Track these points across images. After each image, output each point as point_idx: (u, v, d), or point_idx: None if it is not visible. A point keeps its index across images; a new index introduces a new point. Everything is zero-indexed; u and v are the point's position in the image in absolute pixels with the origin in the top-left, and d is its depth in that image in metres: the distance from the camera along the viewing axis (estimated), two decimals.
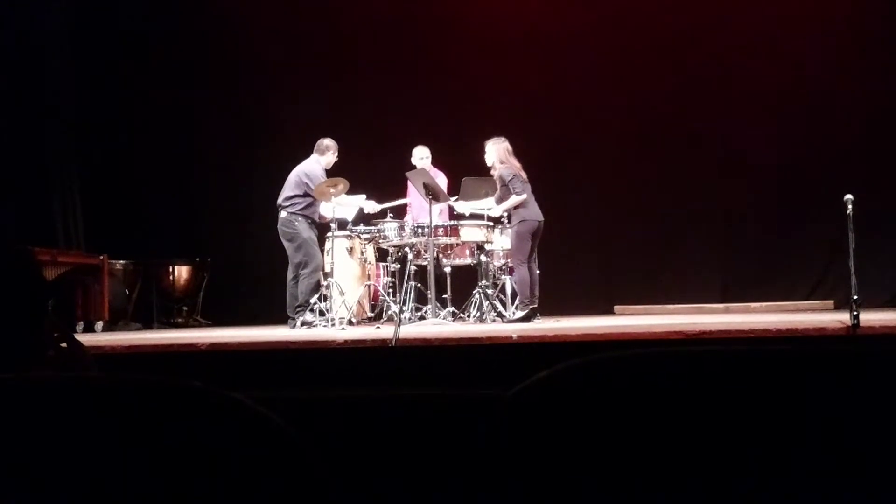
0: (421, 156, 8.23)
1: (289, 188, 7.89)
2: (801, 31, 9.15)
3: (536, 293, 7.27)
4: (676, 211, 9.39)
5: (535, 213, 7.21)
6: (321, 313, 7.51)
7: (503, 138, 7.40)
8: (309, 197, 7.78)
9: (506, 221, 7.65)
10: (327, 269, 7.75)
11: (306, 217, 7.83)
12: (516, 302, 7.36)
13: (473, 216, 7.88)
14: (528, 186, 7.28)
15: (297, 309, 7.67)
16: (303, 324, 7.54)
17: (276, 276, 8.15)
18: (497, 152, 7.35)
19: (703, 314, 8.24)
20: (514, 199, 7.19)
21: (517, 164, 7.32)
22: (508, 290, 7.70)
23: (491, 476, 0.99)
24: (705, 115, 9.36)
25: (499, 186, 7.33)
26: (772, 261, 9.21)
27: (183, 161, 10.40)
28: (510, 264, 7.73)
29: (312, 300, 7.62)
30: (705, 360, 1.00)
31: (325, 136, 8.13)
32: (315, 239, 7.88)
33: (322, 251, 7.99)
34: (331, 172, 7.93)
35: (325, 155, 8.01)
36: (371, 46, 9.92)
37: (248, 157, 10.07)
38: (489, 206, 7.62)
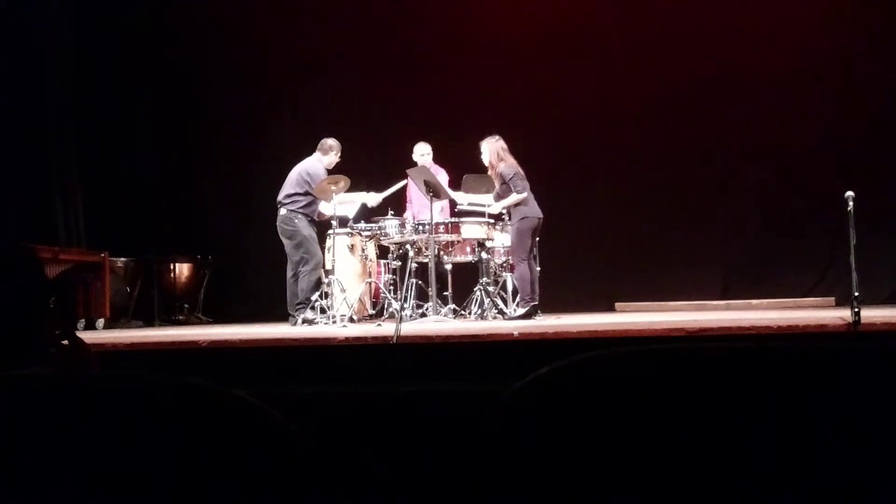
0: (422, 152, 8.21)
1: (289, 186, 7.89)
2: (802, 28, 9.15)
3: (537, 290, 7.29)
4: (677, 208, 9.38)
5: (535, 211, 7.24)
6: (322, 311, 7.51)
7: (497, 136, 7.42)
8: (309, 195, 7.78)
9: (506, 219, 7.66)
10: (328, 267, 7.75)
11: (306, 215, 7.83)
12: (517, 299, 7.37)
13: (474, 213, 7.88)
14: (528, 184, 7.29)
15: (298, 306, 7.67)
16: (304, 321, 7.54)
17: (277, 273, 8.15)
18: (492, 151, 7.37)
19: (704, 311, 8.24)
20: (514, 198, 7.21)
21: (514, 162, 7.33)
22: (509, 288, 7.71)
23: (491, 473, 0.99)
24: (706, 112, 9.36)
25: (498, 185, 7.34)
26: (773, 257, 9.21)
27: (184, 158, 10.40)
28: (511, 262, 7.74)
29: (313, 297, 7.62)
30: (707, 357, 1.00)
31: (325, 133, 8.12)
32: (314, 236, 7.86)
33: (323, 249, 7.99)
34: (332, 171, 7.93)
35: (327, 154, 8.00)
36: (371, 45, 9.91)
37: (248, 154, 10.06)
38: (488, 202, 7.63)
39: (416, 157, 8.18)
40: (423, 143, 8.28)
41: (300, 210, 7.81)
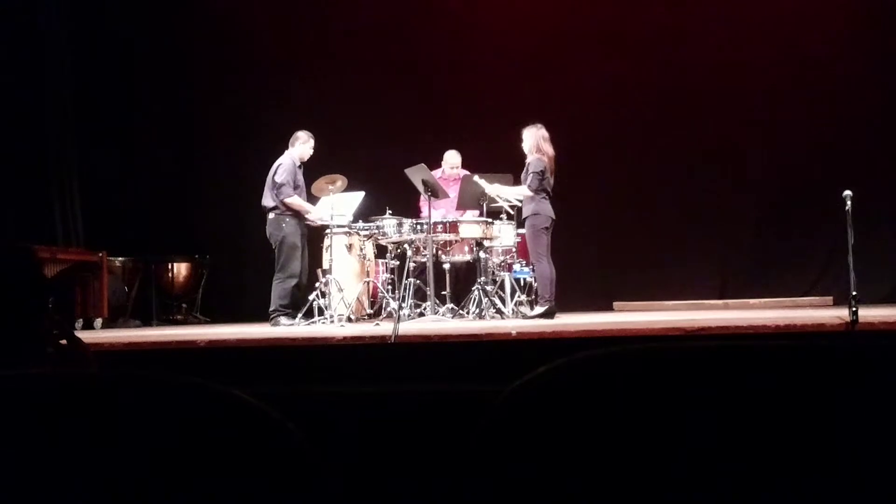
0: (451, 163, 8.22)
1: (267, 189, 7.83)
2: (802, 29, 9.15)
3: (553, 290, 7.24)
4: (676, 207, 9.39)
5: (547, 210, 7.19)
6: (320, 310, 7.50)
7: (540, 125, 7.35)
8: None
9: (522, 212, 7.53)
10: (326, 266, 7.73)
11: (293, 215, 7.75)
12: (534, 298, 7.35)
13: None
14: (550, 183, 7.23)
15: (272, 315, 7.61)
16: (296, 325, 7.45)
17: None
18: (533, 139, 7.30)
19: (702, 310, 8.23)
20: (521, 190, 7.16)
21: (551, 153, 7.28)
22: (507, 287, 7.69)
23: (488, 472, 0.99)
24: (704, 113, 9.36)
25: (524, 172, 7.29)
26: (770, 257, 9.22)
27: (182, 158, 10.39)
28: (509, 261, 7.75)
29: (311, 295, 7.59)
30: (705, 357, 1.00)
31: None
32: (297, 244, 7.74)
33: (320, 248, 7.97)
34: (331, 169, 7.86)
35: (297, 147, 7.88)
36: (371, 44, 9.89)
37: (247, 154, 10.04)
38: (499, 191, 7.53)
39: (444, 166, 8.19)
40: (454, 151, 8.26)
41: (286, 212, 7.73)
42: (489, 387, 3.46)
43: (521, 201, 7.44)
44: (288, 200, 7.70)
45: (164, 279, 9.71)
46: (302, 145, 7.90)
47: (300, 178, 7.86)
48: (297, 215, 7.78)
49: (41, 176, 9.44)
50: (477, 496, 0.98)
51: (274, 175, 7.76)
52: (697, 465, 0.96)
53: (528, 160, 7.26)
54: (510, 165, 7.62)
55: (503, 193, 7.49)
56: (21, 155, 9.24)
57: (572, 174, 9.39)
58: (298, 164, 7.87)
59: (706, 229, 9.34)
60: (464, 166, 8.34)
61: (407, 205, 8.42)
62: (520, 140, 7.41)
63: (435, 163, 8.34)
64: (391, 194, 8.38)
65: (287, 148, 7.98)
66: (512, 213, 7.81)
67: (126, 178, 10.16)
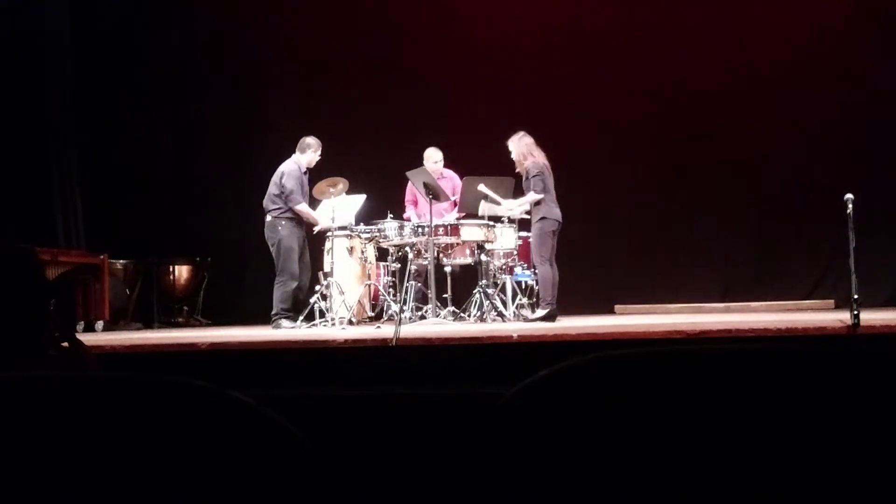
0: (435, 159, 8.21)
1: (269, 191, 7.83)
2: (802, 30, 9.15)
3: (555, 293, 7.25)
4: (677, 210, 9.38)
5: (554, 213, 7.23)
6: (321, 313, 7.50)
7: (523, 133, 7.39)
8: (286, 197, 7.72)
9: (530, 217, 7.54)
10: (327, 269, 7.74)
11: (290, 219, 7.76)
12: (523, 301, 7.34)
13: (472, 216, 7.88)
14: (552, 183, 7.25)
15: (273, 318, 7.61)
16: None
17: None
18: (519, 148, 7.34)
19: (703, 314, 8.24)
20: (530, 196, 7.18)
21: (542, 160, 7.30)
22: (508, 290, 7.69)
23: (490, 475, 0.99)
24: (705, 115, 9.35)
25: (523, 181, 7.32)
26: (772, 260, 9.21)
27: (183, 160, 10.39)
28: (510, 264, 7.74)
29: (312, 298, 7.59)
30: (706, 360, 1.00)
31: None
32: (295, 247, 7.74)
33: (322, 250, 7.97)
34: (332, 172, 7.87)
35: (305, 153, 7.89)
36: (372, 46, 9.91)
37: (248, 156, 10.05)
38: (509, 206, 7.55)
39: (427, 163, 8.16)
40: (435, 148, 8.27)
41: (283, 216, 7.74)
42: (490, 390, 3.46)
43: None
44: (298, 208, 7.73)
45: (166, 281, 9.71)
46: (313, 154, 7.91)
47: (305, 184, 7.87)
48: (295, 218, 7.78)
49: (42, 177, 9.44)
50: (479, 499, 0.98)
51: (281, 180, 7.76)
52: (700, 469, 0.96)
53: (524, 167, 7.28)
54: (512, 169, 7.62)
55: (514, 207, 7.49)
56: (22, 156, 9.25)
57: (572, 177, 9.40)
58: (304, 170, 7.88)
59: (707, 232, 9.34)
60: (465, 170, 8.33)
61: None
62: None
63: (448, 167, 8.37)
64: (393, 197, 8.38)
65: (293, 150, 7.99)
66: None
67: (127, 180, 10.16)
